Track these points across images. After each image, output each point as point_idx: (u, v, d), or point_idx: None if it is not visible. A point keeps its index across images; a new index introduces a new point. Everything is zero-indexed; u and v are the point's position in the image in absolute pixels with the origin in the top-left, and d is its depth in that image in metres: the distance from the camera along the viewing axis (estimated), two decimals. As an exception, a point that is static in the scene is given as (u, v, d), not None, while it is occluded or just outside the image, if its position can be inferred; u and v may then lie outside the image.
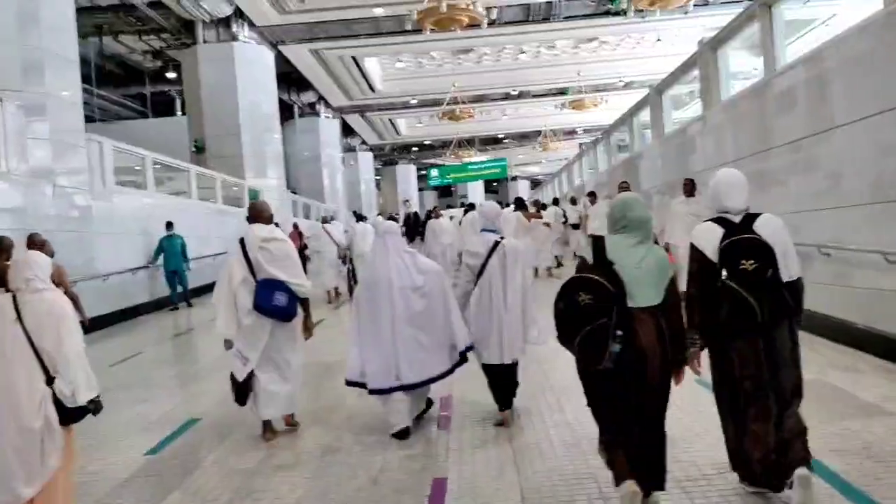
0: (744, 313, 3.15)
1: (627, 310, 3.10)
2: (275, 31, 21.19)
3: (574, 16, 21.63)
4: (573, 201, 12.19)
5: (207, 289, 14.69)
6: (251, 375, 4.87)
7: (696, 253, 3.36)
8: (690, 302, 3.36)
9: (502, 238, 5.01)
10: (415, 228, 33.12)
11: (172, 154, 20.00)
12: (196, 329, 11.21)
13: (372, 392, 4.81)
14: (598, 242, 3.29)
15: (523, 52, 25.99)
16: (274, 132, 21.89)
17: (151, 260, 12.71)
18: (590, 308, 3.07)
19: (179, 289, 13.28)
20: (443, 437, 4.93)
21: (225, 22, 20.31)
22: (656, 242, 3.43)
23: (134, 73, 26.60)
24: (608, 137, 15.97)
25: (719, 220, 3.36)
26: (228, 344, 4.90)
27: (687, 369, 3.37)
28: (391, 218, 30.65)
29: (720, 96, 9.85)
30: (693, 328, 3.33)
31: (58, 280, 5.74)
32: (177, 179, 16.74)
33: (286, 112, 31.74)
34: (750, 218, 3.32)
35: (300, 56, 23.78)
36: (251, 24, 20.62)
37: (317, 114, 31.92)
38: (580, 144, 42.90)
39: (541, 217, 13.20)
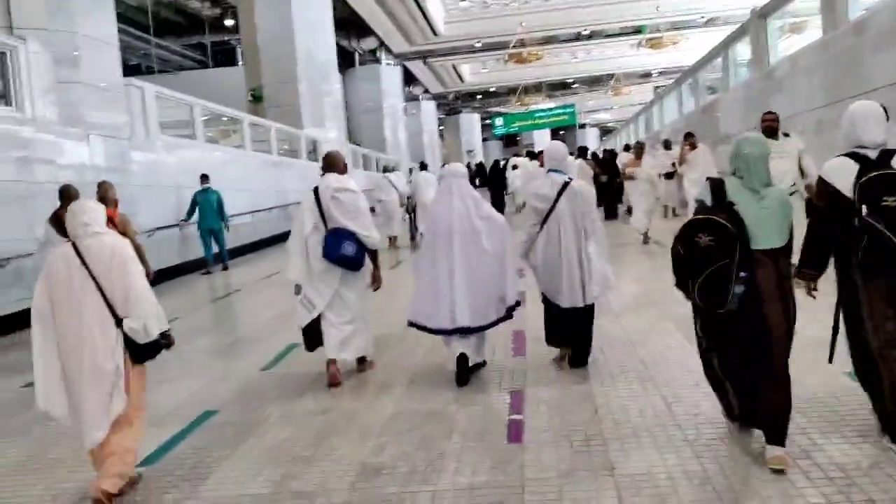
0: (884, 252, 2.96)
1: (750, 251, 3.02)
2: (330, -31, 20.09)
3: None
4: (667, 145, 10.68)
5: (261, 244, 14.78)
6: (317, 321, 4.91)
7: (827, 188, 3.13)
8: (812, 240, 3.19)
9: (571, 179, 4.84)
10: (481, 179, 32.28)
11: (231, 105, 19.48)
12: (244, 290, 10.41)
13: (433, 331, 4.82)
14: (717, 183, 3.19)
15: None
16: (332, 80, 20.97)
17: (185, 217, 11.37)
18: (711, 250, 3.00)
19: (216, 249, 11.86)
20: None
21: (278, -40, 19.33)
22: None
23: (194, 22, 26.03)
24: (695, 75, 14.40)
25: (853, 156, 3.12)
26: (298, 289, 4.97)
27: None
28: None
29: (848, 13, 8.36)
30: (806, 262, 3.20)
31: (122, 230, 5.61)
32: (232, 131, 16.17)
33: (346, 60, 30.82)
34: (887, 154, 3.08)
35: (359, -3, 22.64)
36: (304, -39, 19.56)
37: (378, 61, 30.86)
38: (655, 88, 40.72)
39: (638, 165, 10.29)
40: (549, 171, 4.90)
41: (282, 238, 13.60)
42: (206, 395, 5.07)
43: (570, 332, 4.85)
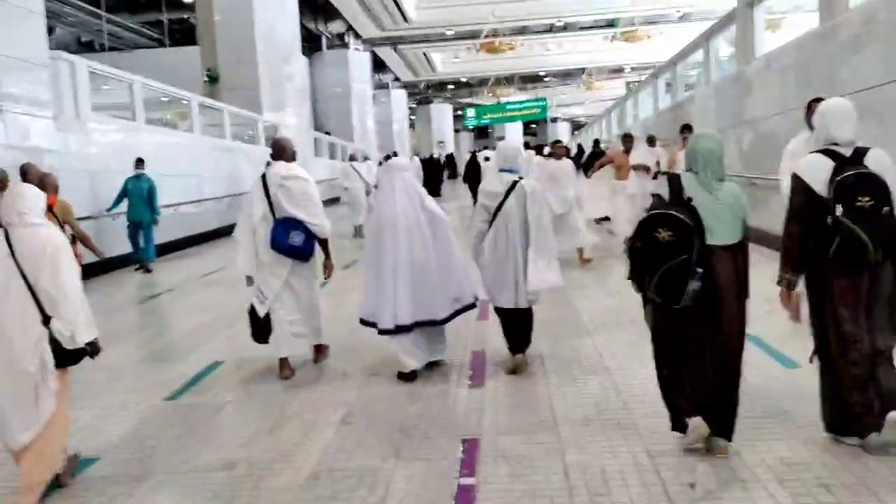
0: (855, 252, 2.97)
1: (707, 247, 3.05)
2: (295, -54, 19.00)
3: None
4: (651, 141, 9.57)
5: (209, 235, 13.55)
6: (268, 314, 4.78)
7: (802, 186, 3.12)
8: (787, 240, 3.18)
9: (521, 178, 4.77)
10: (451, 171, 31.68)
11: (189, 87, 18.32)
12: (176, 290, 9.10)
13: (380, 332, 4.67)
14: (673, 179, 3.22)
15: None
16: (295, 62, 19.94)
17: (111, 206, 9.82)
18: (670, 245, 3.01)
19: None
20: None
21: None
22: None
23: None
24: (673, 68, 13.71)
25: (828, 153, 3.11)
26: (249, 280, 4.86)
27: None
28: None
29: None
30: (790, 267, 3.17)
31: (63, 218, 5.31)
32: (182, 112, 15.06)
33: (313, 44, 29.72)
34: (860, 151, 3.08)
35: (324, -24, 21.55)
36: (266, -64, 18.44)
37: (346, 46, 29.83)
38: (627, 84, 40.33)
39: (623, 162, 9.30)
40: (501, 169, 4.82)
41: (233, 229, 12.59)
42: (89, 433, 4.04)
43: (512, 331, 4.83)
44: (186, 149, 13.24)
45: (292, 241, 4.69)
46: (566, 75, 41.75)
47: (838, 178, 3.00)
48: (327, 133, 28.27)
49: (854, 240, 2.95)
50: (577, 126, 61.83)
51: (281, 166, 4.83)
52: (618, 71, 40.33)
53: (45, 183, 5.49)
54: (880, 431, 3.07)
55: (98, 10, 21.50)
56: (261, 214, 4.74)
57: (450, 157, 36.04)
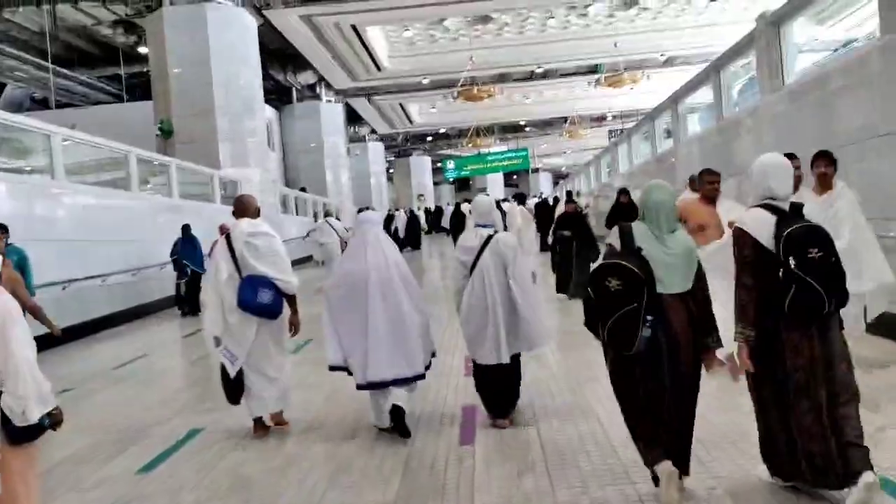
0: (812, 304, 3.00)
1: (657, 295, 3.10)
2: (256, -9, 17.72)
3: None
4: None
5: (149, 308, 11.86)
6: (240, 374, 4.72)
7: (749, 240, 3.13)
8: (743, 294, 3.14)
9: (496, 232, 4.79)
10: (436, 224, 30.23)
11: (145, 143, 16.75)
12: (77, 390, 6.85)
13: (358, 387, 4.60)
14: (625, 229, 3.25)
15: (552, 18, 22.23)
16: (257, 114, 18.44)
17: None
18: (620, 293, 3.07)
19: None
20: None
21: (194, -22, 16.90)
22: None
23: (111, 52, 23.36)
24: (675, 106, 12.19)
25: (767, 207, 3.14)
26: (217, 342, 4.72)
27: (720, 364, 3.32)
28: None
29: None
30: (745, 322, 3.12)
31: (10, 290, 4.37)
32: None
33: (284, 96, 28.49)
34: (798, 205, 3.16)
35: (291, 25, 20.30)
36: (226, -18, 17.15)
37: (318, 97, 28.56)
38: (610, 132, 39.46)
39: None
40: (476, 224, 4.84)
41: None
42: None
43: (496, 391, 4.70)
44: (122, 210, 11.51)
45: (261, 299, 4.60)
46: (546, 124, 40.89)
47: (787, 230, 3.02)
48: (303, 189, 26.76)
49: (810, 292, 2.97)
50: (559, 176, 61.09)
51: (245, 223, 4.76)
52: (600, 119, 39.52)
53: None
54: (845, 488, 3.02)
55: (46, 64, 19.98)
56: (227, 275, 4.67)
57: (438, 210, 34.61)
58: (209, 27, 16.82)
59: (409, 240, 24.71)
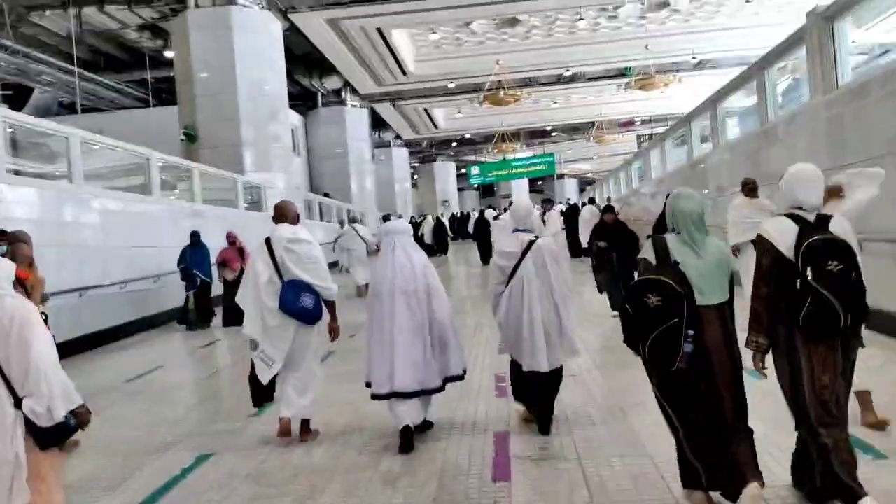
0: (827, 318, 2.93)
1: (696, 308, 3.03)
2: (282, -7, 17.50)
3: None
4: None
5: (172, 314, 11.37)
6: (274, 378, 4.77)
7: (769, 248, 3.08)
8: (758, 302, 3.12)
9: (537, 237, 4.68)
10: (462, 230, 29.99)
11: (172, 148, 16.61)
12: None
13: (373, 397, 4.57)
14: (659, 242, 3.19)
15: (581, 20, 21.76)
16: (282, 119, 18.22)
17: None
18: (660, 309, 3.01)
19: None
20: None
21: (220, -19, 16.74)
22: None
23: (137, 57, 23.37)
24: (714, 108, 11.61)
25: (793, 217, 3.10)
26: (253, 345, 4.78)
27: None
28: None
29: None
30: (758, 329, 3.12)
31: (32, 292, 4.48)
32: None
33: (309, 101, 28.34)
34: (824, 218, 3.08)
35: (316, 28, 20.08)
36: (252, -16, 16.97)
37: (343, 102, 28.37)
38: (638, 137, 38.83)
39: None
40: (515, 229, 4.79)
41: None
42: None
43: (533, 396, 4.67)
44: (141, 216, 11.28)
45: (303, 303, 4.67)
46: (574, 129, 40.36)
47: (806, 241, 2.97)
48: (326, 195, 26.55)
49: (825, 306, 2.91)
50: (585, 182, 60.39)
51: (285, 229, 4.82)
52: (628, 124, 38.91)
53: (17, 255, 4.74)
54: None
55: (72, 68, 19.97)
56: (267, 278, 4.72)
57: (464, 216, 34.25)
58: (234, 31, 16.65)
59: (437, 245, 25.30)
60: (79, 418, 2.93)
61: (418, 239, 24.66)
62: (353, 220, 15.49)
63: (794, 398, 3.11)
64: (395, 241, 4.70)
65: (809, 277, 2.92)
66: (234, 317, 10.13)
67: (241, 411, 5.51)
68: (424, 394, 4.53)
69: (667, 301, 2.99)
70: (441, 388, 4.62)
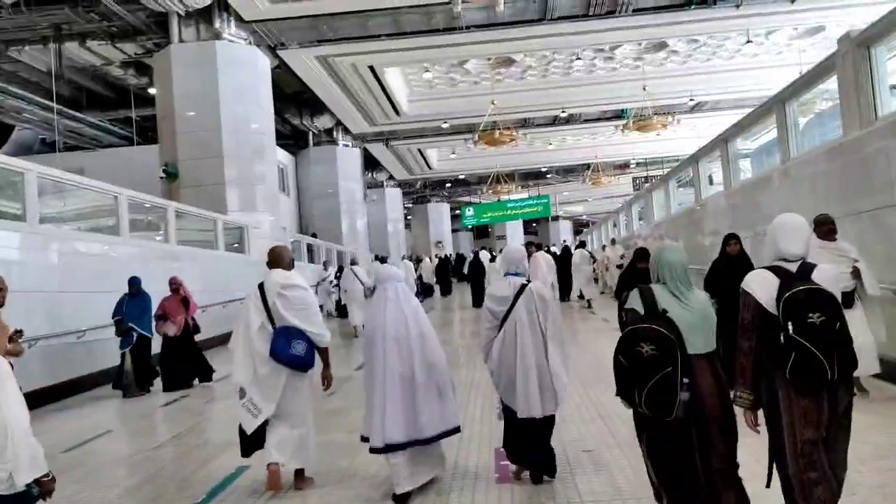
0: (813, 371, 2.89)
1: (688, 357, 3.04)
2: (270, 29, 16.93)
3: (645, 8, 17.06)
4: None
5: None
6: (263, 426, 4.66)
7: (751, 302, 3.08)
8: (741, 357, 3.11)
9: (529, 281, 4.69)
10: (457, 271, 29.42)
11: (155, 187, 15.86)
12: None
13: (371, 451, 4.47)
14: (646, 292, 3.22)
15: (578, 60, 21.29)
16: (268, 157, 17.51)
17: None
18: (655, 358, 3.00)
19: None
20: None
21: (206, 15, 16.19)
22: None
23: (122, 94, 22.79)
24: (725, 146, 10.81)
25: (774, 269, 3.11)
26: (242, 392, 4.68)
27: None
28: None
29: None
30: (743, 385, 3.10)
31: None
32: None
33: (300, 140, 27.76)
34: (807, 268, 3.07)
35: (306, 65, 19.52)
36: (239, 20, 16.40)
37: (335, 142, 27.76)
38: (634, 179, 38.40)
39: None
40: (506, 273, 4.78)
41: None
42: None
43: (527, 445, 4.56)
44: (105, 258, 10.40)
45: (294, 350, 4.60)
46: (568, 171, 39.92)
47: (786, 293, 2.95)
48: (313, 235, 25.76)
49: (810, 358, 2.87)
50: (580, 225, 59.89)
51: (279, 275, 4.79)
52: (624, 166, 38.52)
53: None
54: None
55: (52, 104, 19.31)
56: (259, 324, 4.66)
57: (460, 257, 33.68)
58: (219, 66, 16.06)
59: (441, 285, 26.93)
60: (42, 487, 2.81)
61: (417, 278, 24.66)
62: (352, 263, 15.55)
63: (778, 454, 3.06)
64: (388, 287, 4.61)
65: (791, 331, 2.89)
66: (176, 378, 9.31)
67: (195, 489, 4.82)
68: (418, 444, 4.40)
69: (661, 349, 2.98)
70: (435, 439, 4.47)
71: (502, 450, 4.83)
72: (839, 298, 3.00)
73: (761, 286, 3.07)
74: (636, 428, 3.25)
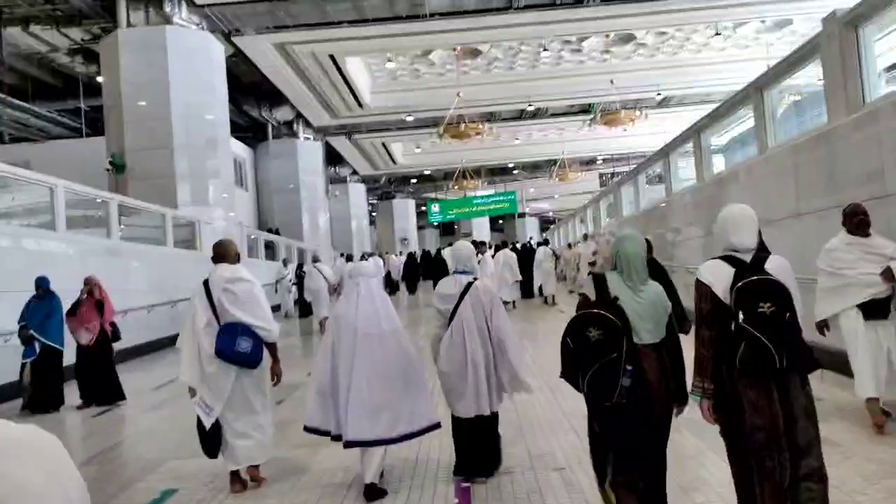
0: (762, 360, 2.90)
1: (634, 345, 3.11)
2: (224, 14, 16.12)
3: (615, -3, 16.66)
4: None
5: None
6: (218, 425, 4.57)
7: (706, 292, 3.10)
8: (700, 347, 3.11)
9: (476, 279, 4.68)
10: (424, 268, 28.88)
11: (100, 181, 14.96)
12: None
13: (309, 431, 4.53)
14: (599, 279, 3.29)
15: (545, 51, 20.82)
16: (222, 150, 16.67)
17: None
18: (600, 343, 3.07)
19: None
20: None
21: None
22: None
23: (70, 84, 21.69)
24: (697, 138, 10.29)
25: (728, 259, 3.11)
26: (192, 392, 4.61)
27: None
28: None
29: None
30: (702, 375, 3.09)
31: None
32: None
33: (258, 132, 26.87)
34: (760, 258, 3.07)
35: (263, 53, 18.72)
36: (191, 3, 15.57)
37: (295, 135, 26.92)
38: (601, 175, 38.22)
39: None
40: (455, 271, 4.76)
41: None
42: None
43: (475, 446, 4.52)
44: (35, 254, 9.58)
45: (239, 347, 4.49)
46: (535, 167, 39.56)
47: (738, 284, 2.97)
48: (274, 231, 24.92)
49: (759, 347, 2.89)
50: (546, 222, 59.67)
51: (224, 269, 4.68)
52: (590, 162, 38.29)
53: None
54: None
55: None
56: (205, 322, 4.55)
57: (425, 254, 33.09)
58: (169, 52, 15.20)
59: (407, 282, 26.52)
60: None
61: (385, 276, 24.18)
62: (314, 260, 15.52)
63: (729, 437, 3.09)
64: (359, 283, 4.55)
65: (741, 320, 2.92)
66: (95, 391, 8.13)
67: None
68: (391, 442, 4.35)
69: (607, 335, 3.03)
70: (401, 439, 4.38)
71: (463, 485, 4.55)
72: (794, 289, 2.99)
73: (716, 277, 3.06)
74: (587, 408, 3.30)
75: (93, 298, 8.33)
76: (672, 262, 10.37)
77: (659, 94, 25.75)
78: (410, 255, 29.69)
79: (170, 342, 10.49)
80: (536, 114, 27.69)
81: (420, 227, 49.26)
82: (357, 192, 37.25)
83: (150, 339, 11.99)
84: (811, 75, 7.68)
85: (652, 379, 3.10)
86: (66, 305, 8.25)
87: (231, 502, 4.53)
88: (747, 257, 3.07)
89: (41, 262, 9.49)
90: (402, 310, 18.96)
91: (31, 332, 7.83)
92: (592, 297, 3.21)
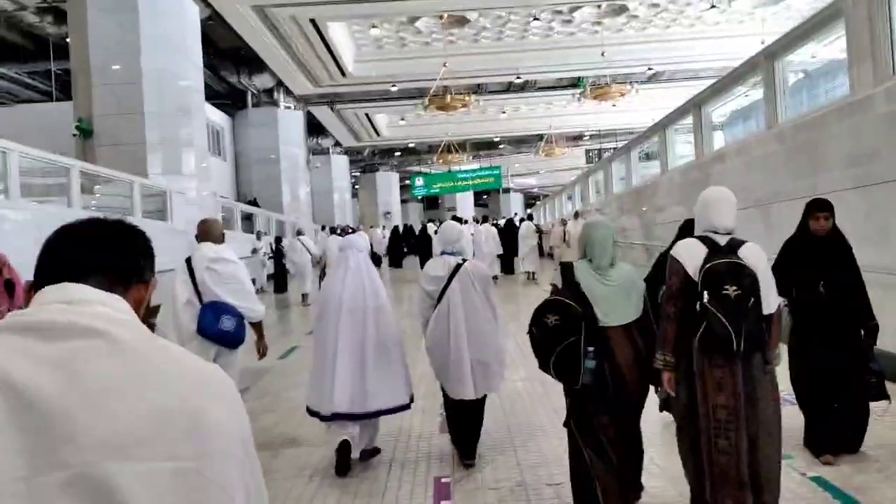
0: (720, 340, 2.99)
1: (598, 328, 3.17)
2: (198, -27, 15.26)
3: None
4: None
5: None
6: None
7: (677, 268, 3.19)
8: (665, 322, 3.21)
9: (465, 260, 4.59)
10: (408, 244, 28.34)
11: (68, 148, 14.23)
12: None
13: (310, 413, 4.53)
14: (566, 266, 3.35)
15: (535, 20, 20.12)
16: (196, 116, 15.90)
17: None
18: (558, 328, 3.14)
19: None
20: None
21: (124, -45, 14.42)
22: None
23: (40, 45, 20.74)
24: (697, 111, 9.72)
25: (703, 239, 3.20)
26: None
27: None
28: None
29: None
30: (665, 348, 3.19)
31: None
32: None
33: (237, 100, 25.98)
34: (735, 242, 3.17)
35: (241, 16, 17.86)
36: (163, -39, 14.68)
37: (275, 103, 26.07)
38: (587, 151, 37.71)
39: None
40: (443, 252, 4.69)
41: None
42: None
43: (465, 426, 4.54)
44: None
45: (222, 325, 4.45)
46: (521, 142, 38.92)
47: (707, 264, 3.03)
48: (252, 202, 24.17)
49: (719, 327, 2.94)
50: (531, 198, 59.19)
51: (208, 248, 4.65)
52: (577, 138, 37.71)
53: None
54: None
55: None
56: (185, 299, 4.54)
57: (408, 229, 32.55)
58: (140, 12, 14.35)
59: (391, 256, 26.26)
60: None
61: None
62: (298, 233, 15.90)
63: (683, 419, 3.14)
64: (350, 257, 4.58)
65: (705, 300, 2.97)
66: None
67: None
68: (366, 417, 4.39)
69: (564, 320, 3.11)
70: (380, 413, 4.45)
71: (442, 480, 4.37)
72: (764, 276, 3.02)
73: (689, 255, 3.11)
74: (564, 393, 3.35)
75: (1, 278, 7.63)
76: (664, 243, 9.92)
77: (650, 68, 25.15)
78: (395, 229, 29.10)
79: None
80: (524, 87, 27.02)
81: (403, 201, 48.56)
82: (339, 164, 36.44)
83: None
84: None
85: (621, 360, 3.16)
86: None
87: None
88: (723, 240, 3.12)
89: (-5, 233, 8.82)
90: (387, 284, 18.45)
91: None
92: (560, 284, 3.30)
